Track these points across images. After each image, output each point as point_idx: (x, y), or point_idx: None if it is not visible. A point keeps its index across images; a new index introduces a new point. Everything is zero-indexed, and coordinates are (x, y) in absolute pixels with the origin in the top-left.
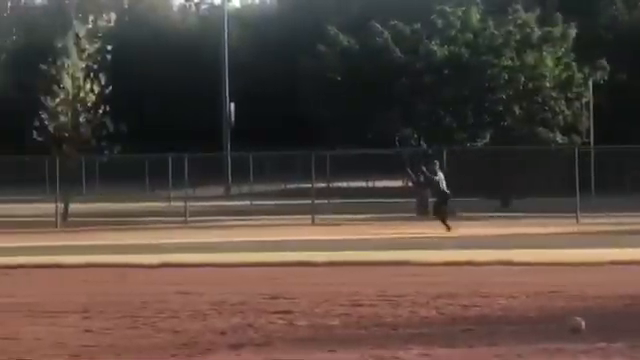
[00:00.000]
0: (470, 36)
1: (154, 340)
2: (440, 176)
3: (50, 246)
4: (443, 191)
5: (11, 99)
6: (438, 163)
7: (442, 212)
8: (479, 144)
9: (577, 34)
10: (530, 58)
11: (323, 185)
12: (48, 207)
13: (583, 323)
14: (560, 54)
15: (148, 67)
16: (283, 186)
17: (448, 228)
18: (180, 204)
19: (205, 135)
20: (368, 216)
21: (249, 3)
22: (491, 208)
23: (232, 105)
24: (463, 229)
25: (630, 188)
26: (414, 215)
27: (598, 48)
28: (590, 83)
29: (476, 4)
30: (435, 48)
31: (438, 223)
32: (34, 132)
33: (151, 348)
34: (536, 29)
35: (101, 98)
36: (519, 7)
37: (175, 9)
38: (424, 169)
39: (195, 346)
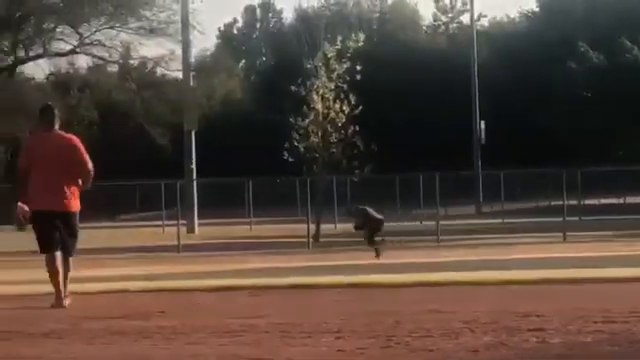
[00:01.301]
0: None
1: (407, 359)
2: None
3: (302, 267)
4: (376, 218)
5: (261, 120)
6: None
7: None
8: None
9: None
10: None
11: (574, 202)
12: (300, 227)
13: None
14: None
15: (397, 86)
16: (534, 204)
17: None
18: (431, 223)
19: (455, 153)
20: (620, 233)
21: (497, 21)
22: None
23: (482, 123)
24: None
25: None
26: None
27: None
28: None
29: None
30: None
31: None
32: (285, 153)
33: None
34: None
35: (351, 118)
36: None
37: (424, 28)
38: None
39: None
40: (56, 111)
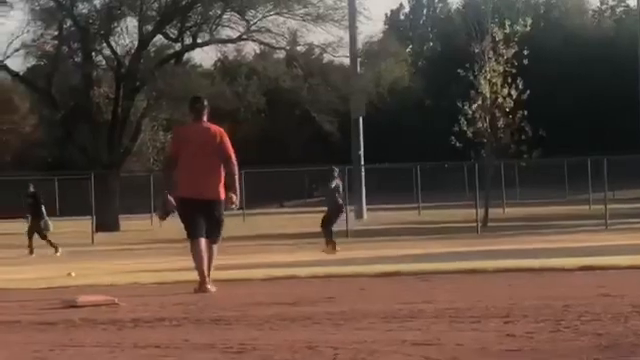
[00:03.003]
0: None
1: (576, 343)
2: (337, 184)
3: (471, 251)
4: (337, 203)
5: (429, 105)
6: (337, 170)
7: (329, 228)
8: None
9: None
10: None
11: None
12: (468, 212)
13: None
14: None
15: (563, 71)
16: None
17: (333, 247)
18: (600, 207)
19: (623, 137)
20: None
21: None
22: None
23: None
24: None
25: None
26: None
27: None
28: None
29: None
30: None
31: None
32: (453, 138)
33: (574, 351)
34: None
35: (519, 103)
36: None
37: (590, 13)
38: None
39: (617, 348)
40: (205, 102)
